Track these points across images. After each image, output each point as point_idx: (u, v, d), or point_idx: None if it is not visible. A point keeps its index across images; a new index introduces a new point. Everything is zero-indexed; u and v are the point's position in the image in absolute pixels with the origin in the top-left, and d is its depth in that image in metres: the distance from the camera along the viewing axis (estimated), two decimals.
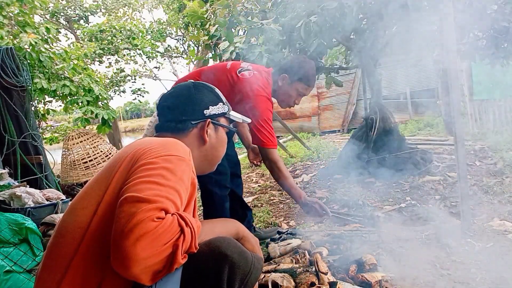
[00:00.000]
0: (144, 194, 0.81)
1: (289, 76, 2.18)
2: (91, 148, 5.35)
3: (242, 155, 6.82)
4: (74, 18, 11.78)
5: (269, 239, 2.31)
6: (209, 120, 1.23)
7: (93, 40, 10.34)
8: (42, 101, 5.68)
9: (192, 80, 1.34)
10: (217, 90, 1.32)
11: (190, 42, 13.65)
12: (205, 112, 1.23)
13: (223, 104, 1.30)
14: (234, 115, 1.36)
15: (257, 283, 1.15)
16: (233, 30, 4.11)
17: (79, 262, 0.88)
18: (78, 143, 5.35)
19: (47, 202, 2.84)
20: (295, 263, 1.82)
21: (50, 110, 5.65)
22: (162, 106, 1.26)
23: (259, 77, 2.10)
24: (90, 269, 0.87)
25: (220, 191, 2.17)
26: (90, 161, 5.20)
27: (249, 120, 1.52)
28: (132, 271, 0.75)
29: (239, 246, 0.95)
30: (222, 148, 1.31)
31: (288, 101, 2.25)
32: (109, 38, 10.52)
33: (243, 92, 2.02)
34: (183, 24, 12.05)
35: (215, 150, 1.28)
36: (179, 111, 1.22)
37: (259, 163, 2.70)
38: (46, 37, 4.92)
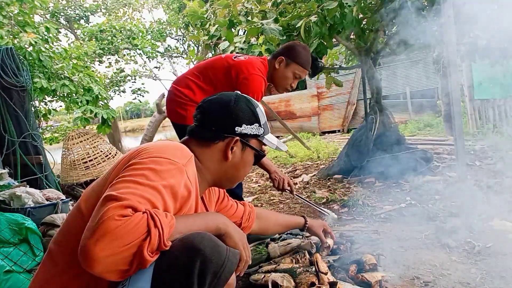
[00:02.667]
0: (117, 192, 0.81)
1: (286, 58, 2.21)
2: (91, 148, 5.34)
3: None
4: (74, 18, 11.77)
5: (269, 239, 2.31)
6: (237, 138, 1.17)
7: (93, 40, 10.32)
8: (43, 101, 5.68)
9: (239, 92, 1.27)
10: (258, 109, 1.24)
11: (190, 42, 13.65)
12: (236, 129, 1.17)
13: (259, 126, 1.22)
14: (269, 139, 1.27)
15: (234, 276, 1.13)
16: (233, 30, 4.10)
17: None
18: (78, 143, 5.34)
19: (47, 202, 2.83)
20: (295, 263, 1.81)
21: (52, 110, 5.66)
22: (199, 109, 1.21)
23: (255, 60, 2.17)
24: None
25: None
26: (90, 161, 5.18)
27: (285, 148, 1.42)
28: (95, 270, 0.75)
29: (214, 240, 0.92)
30: (244, 169, 1.24)
31: (284, 84, 2.28)
32: (109, 38, 10.50)
33: (238, 72, 2.07)
34: (183, 24, 12.05)
35: (236, 169, 1.22)
36: (210, 120, 1.17)
37: None
38: (46, 36, 4.92)
